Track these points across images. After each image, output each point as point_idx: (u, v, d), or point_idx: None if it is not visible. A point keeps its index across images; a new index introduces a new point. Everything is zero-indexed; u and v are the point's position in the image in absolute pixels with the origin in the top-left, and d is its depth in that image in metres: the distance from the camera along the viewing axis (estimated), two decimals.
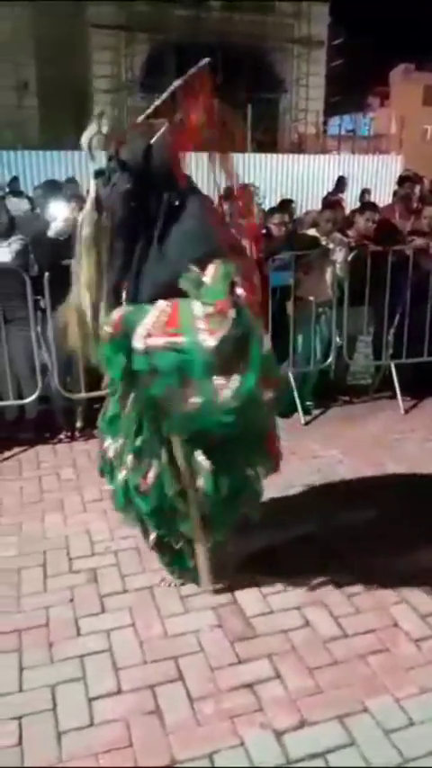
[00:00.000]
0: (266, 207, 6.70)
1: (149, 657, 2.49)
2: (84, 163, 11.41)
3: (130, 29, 17.85)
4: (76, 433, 4.63)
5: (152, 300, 2.28)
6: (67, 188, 6.22)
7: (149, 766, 2.05)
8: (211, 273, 2.24)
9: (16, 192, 8.01)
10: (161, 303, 2.24)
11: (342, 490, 3.83)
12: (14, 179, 8.49)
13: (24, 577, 2.98)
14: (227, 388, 2.19)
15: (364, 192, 10.78)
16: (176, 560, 2.84)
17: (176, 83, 2.28)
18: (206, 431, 2.35)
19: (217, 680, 2.40)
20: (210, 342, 2.13)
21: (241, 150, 14.65)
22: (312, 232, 5.13)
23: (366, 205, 5.82)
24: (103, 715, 2.23)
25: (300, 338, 5.06)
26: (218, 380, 2.19)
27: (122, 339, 2.22)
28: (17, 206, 6.08)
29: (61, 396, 4.51)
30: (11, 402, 4.31)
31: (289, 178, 12.70)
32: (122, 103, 18.01)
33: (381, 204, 7.11)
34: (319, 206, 6.87)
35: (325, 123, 22.89)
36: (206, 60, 2.27)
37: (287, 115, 22.08)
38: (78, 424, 4.65)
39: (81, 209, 4.87)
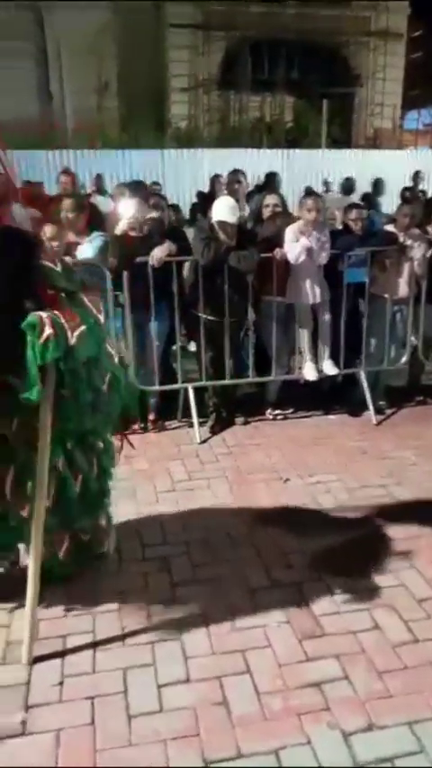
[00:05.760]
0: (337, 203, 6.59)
1: (218, 648, 2.52)
2: (164, 161, 11.67)
3: (207, 27, 17.95)
4: (149, 425, 4.73)
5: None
6: (137, 188, 6.31)
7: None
8: None
9: (101, 191, 8.19)
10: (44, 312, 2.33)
11: (413, 493, 3.74)
12: (98, 177, 8.66)
13: (99, 563, 3.02)
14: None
15: None
16: None
17: None
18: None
19: (284, 676, 2.39)
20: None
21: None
22: (390, 228, 5.01)
23: None
24: (171, 702, 2.27)
25: (373, 336, 4.97)
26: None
27: (57, 340, 2.29)
28: (102, 204, 6.23)
29: (136, 388, 4.61)
30: None
31: (364, 174, 12.43)
32: (199, 102, 18.15)
33: None
34: (395, 203, 6.71)
35: (402, 117, 22.25)
36: None
37: (363, 110, 21.62)
38: (151, 416, 4.75)
39: (154, 208, 5.04)
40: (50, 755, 2.07)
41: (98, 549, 2.93)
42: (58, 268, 2.46)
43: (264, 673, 2.40)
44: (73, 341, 2.32)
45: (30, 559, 2.47)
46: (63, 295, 2.41)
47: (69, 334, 2.31)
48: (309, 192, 5.26)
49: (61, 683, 2.35)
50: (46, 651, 2.48)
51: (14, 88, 15.71)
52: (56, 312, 2.31)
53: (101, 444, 2.76)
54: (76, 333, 2.33)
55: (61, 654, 2.48)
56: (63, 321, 2.30)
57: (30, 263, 2.36)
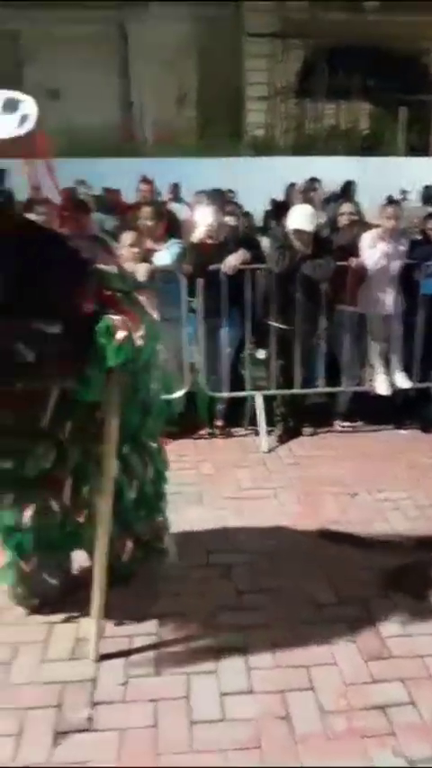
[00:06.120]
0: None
1: (282, 662, 2.48)
2: (238, 168, 11.75)
3: (285, 36, 17.94)
4: (216, 430, 4.75)
5: None
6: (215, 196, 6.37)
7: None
8: None
9: (177, 199, 8.34)
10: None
11: None
12: (175, 185, 8.82)
13: (164, 566, 3.02)
14: None
15: None
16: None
17: None
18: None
19: (349, 696, 2.34)
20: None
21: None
22: None
23: None
24: (234, 712, 2.26)
25: None
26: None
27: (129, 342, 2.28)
28: (178, 212, 6.34)
29: (205, 393, 4.66)
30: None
31: None
32: (276, 110, 18.17)
33: None
34: None
35: None
36: None
37: None
38: (218, 422, 4.77)
39: (230, 216, 5.06)
40: (114, 753, 2.10)
41: (158, 546, 2.92)
42: (113, 270, 2.47)
43: (328, 691, 2.35)
44: (139, 342, 2.33)
45: (96, 559, 2.51)
46: (119, 295, 2.40)
47: (135, 336, 2.31)
48: (390, 201, 5.17)
49: (126, 683, 2.37)
50: (112, 650, 2.52)
51: (97, 98, 16.22)
52: (124, 316, 2.32)
53: (153, 445, 2.76)
54: (139, 333, 2.34)
55: (126, 653, 2.52)
56: (129, 323, 2.31)
57: (87, 267, 2.36)
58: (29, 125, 2.21)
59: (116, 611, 2.65)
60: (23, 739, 2.15)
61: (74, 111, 14.30)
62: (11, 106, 2.25)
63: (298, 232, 4.40)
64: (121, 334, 2.25)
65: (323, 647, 2.56)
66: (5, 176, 2.23)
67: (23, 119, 2.21)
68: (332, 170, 9.91)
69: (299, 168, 10.09)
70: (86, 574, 2.64)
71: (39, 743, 2.13)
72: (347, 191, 7.45)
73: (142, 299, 2.53)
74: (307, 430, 4.79)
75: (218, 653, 2.52)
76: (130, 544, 2.73)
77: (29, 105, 2.24)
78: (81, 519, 2.55)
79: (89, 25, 16.16)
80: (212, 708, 2.27)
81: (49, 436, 2.44)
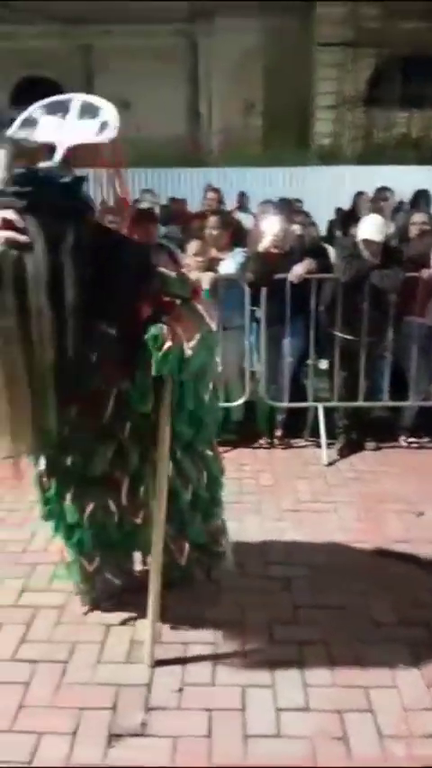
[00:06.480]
0: None
1: (339, 681, 2.42)
2: (305, 178, 11.69)
3: (357, 45, 17.78)
4: (275, 441, 4.71)
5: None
6: (282, 206, 6.36)
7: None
8: None
9: (244, 208, 8.36)
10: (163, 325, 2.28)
11: None
12: (242, 195, 8.85)
13: (222, 575, 2.99)
14: None
15: None
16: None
17: None
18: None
19: (409, 722, 2.25)
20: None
21: None
22: None
23: None
24: (289, 728, 2.21)
25: None
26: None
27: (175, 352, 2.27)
28: (244, 221, 6.36)
29: (265, 403, 4.63)
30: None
31: None
32: (344, 119, 18.02)
33: None
34: None
35: None
36: None
37: None
38: (278, 432, 4.73)
39: (299, 225, 5.03)
40: (167, 760, 2.09)
41: (216, 549, 2.88)
42: (174, 275, 2.45)
43: (388, 714, 2.27)
44: (188, 352, 2.31)
45: (152, 562, 2.52)
46: (178, 302, 2.38)
47: (186, 345, 2.30)
48: None
49: (181, 690, 2.36)
50: (167, 656, 2.52)
51: (166, 108, 16.54)
52: (174, 325, 2.30)
53: (209, 452, 2.73)
54: (192, 343, 2.32)
55: (182, 661, 2.50)
56: (181, 332, 2.30)
57: (150, 272, 2.36)
58: (110, 133, 2.14)
59: (174, 615, 2.66)
60: (77, 739, 2.16)
61: (143, 121, 14.61)
62: (89, 111, 2.20)
63: (367, 242, 4.33)
64: (167, 344, 2.25)
65: (383, 669, 2.48)
66: (84, 183, 2.19)
67: (104, 126, 2.15)
68: (401, 179, 9.72)
69: (367, 177, 9.97)
70: (145, 576, 2.65)
71: (93, 744, 2.14)
72: (419, 200, 7.27)
73: (200, 307, 2.52)
74: (370, 444, 4.67)
75: (274, 666, 2.47)
76: (187, 547, 2.72)
77: (109, 112, 2.17)
78: (138, 520, 2.56)
79: (159, 38, 16.53)
80: (268, 722, 2.23)
81: (110, 437, 2.47)
